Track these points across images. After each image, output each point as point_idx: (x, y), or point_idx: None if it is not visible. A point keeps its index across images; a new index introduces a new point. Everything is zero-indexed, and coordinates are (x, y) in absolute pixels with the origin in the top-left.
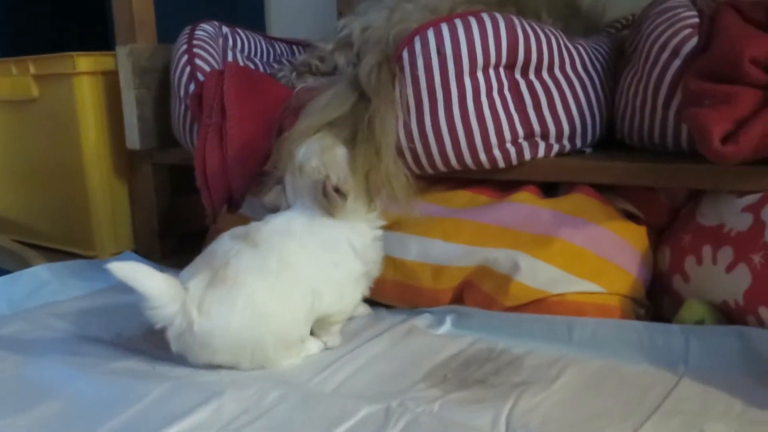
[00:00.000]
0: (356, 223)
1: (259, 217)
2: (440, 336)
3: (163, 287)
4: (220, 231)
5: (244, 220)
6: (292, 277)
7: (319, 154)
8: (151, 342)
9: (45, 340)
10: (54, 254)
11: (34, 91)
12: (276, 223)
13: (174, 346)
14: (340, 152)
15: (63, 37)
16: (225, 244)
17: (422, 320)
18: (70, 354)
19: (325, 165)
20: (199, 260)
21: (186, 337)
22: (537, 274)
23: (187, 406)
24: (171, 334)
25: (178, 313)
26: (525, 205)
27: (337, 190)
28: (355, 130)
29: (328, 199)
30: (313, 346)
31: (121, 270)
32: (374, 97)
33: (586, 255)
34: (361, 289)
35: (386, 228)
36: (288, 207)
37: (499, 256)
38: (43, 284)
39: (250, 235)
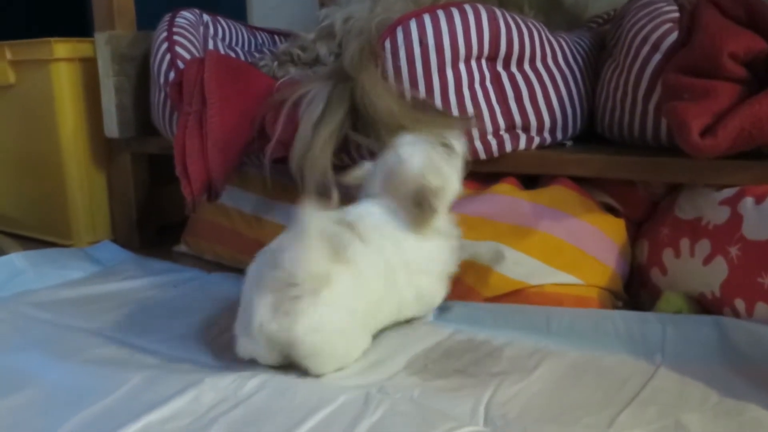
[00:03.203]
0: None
1: (242, 207)
2: (421, 327)
3: (321, 245)
4: (198, 221)
5: (224, 210)
6: (391, 281)
7: (426, 156)
8: (128, 331)
9: (20, 329)
10: (30, 243)
11: (11, 77)
12: (375, 217)
13: (268, 312)
14: (446, 167)
15: (41, 22)
16: (331, 228)
17: None
18: (46, 343)
19: (427, 170)
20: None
21: (301, 303)
22: (516, 266)
23: (165, 395)
24: (287, 293)
25: (314, 276)
26: (505, 197)
27: (430, 204)
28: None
29: (420, 208)
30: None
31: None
32: (358, 76)
33: (565, 247)
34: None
35: None
36: (368, 195)
37: (479, 248)
38: (19, 272)
39: (352, 223)
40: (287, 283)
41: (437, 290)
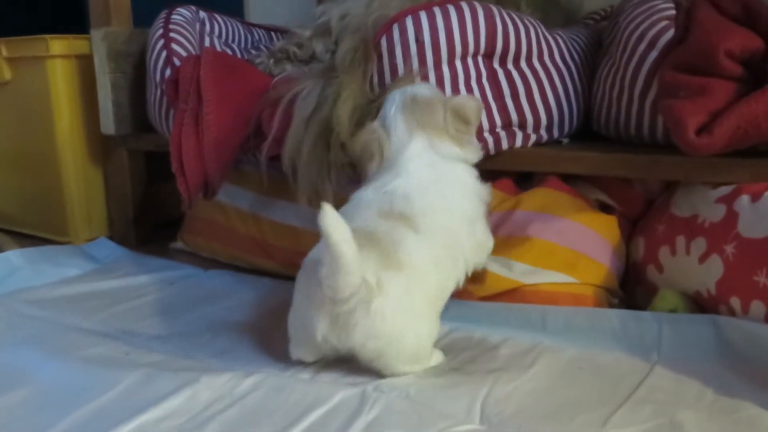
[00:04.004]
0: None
1: (239, 204)
2: None
3: (355, 254)
4: (195, 218)
5: (221, 207)
6: (453, 258)
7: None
8: (125, 328)
9: (17, 327)
10: (27, 240)
11: (7, 73)
12: (417, 193)
13: (326, 327)
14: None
15: (39, 19)
16: (381, 226)
17: None
18: (43, 340)
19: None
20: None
21: (355, 315)
22: (510, 270)
23: (160, 393)
24: (339, 310)
25: (361, 287)
26: (495, 213)
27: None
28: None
29: (462, 120)
30: (438, 356)
31: (331, 222)
32: (342, 74)
33: (557, 249)
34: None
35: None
36: (396, 149)
37: None
38: (16, 269)
39: (403, 214)
40: (337, 300)
41: (489, 233)
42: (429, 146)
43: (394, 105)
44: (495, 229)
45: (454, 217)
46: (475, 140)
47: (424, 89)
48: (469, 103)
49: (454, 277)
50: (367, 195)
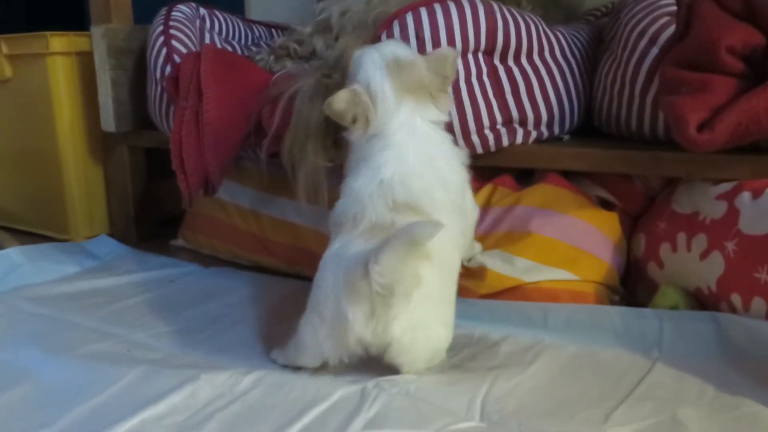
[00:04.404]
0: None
1: (239, 201)
2: None
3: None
4: (196, 215)
5: (221, 204)
6: (459, 234)
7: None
8: (125, 326)
9: (17, 324)
10: (27, 237)
11: (8, 71)
12: (411, 177)
13: (363, 323)
14: None
15: (40, 16)
16: (392, 216)
17: None
18: (43, 337)
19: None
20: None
21: (396, 307)
22: (511, 265)
23: (161, 390)
24: (384, 302)
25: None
26: (497, 208)
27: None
28: None
29: (442, 73)
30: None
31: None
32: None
33: (558, 245)
34: None
35: None
36: (368, 124)
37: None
38: (16, 267)
39: (407, 203)
40: (381, 292)
41: (474, 203)
42: (415, 111)
43: (378, 70)
44: (496, 224)
45: (449, 193)
46: (448, 93)
47: (401, 49)
48: (448, 54)
49: (462, 251)
50: (360, 185)
